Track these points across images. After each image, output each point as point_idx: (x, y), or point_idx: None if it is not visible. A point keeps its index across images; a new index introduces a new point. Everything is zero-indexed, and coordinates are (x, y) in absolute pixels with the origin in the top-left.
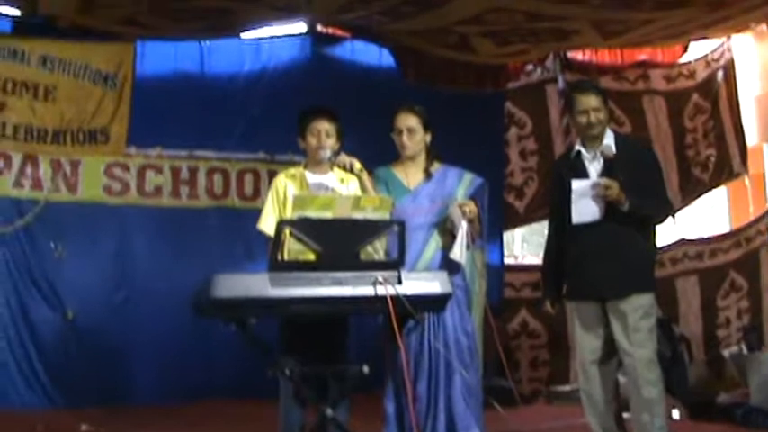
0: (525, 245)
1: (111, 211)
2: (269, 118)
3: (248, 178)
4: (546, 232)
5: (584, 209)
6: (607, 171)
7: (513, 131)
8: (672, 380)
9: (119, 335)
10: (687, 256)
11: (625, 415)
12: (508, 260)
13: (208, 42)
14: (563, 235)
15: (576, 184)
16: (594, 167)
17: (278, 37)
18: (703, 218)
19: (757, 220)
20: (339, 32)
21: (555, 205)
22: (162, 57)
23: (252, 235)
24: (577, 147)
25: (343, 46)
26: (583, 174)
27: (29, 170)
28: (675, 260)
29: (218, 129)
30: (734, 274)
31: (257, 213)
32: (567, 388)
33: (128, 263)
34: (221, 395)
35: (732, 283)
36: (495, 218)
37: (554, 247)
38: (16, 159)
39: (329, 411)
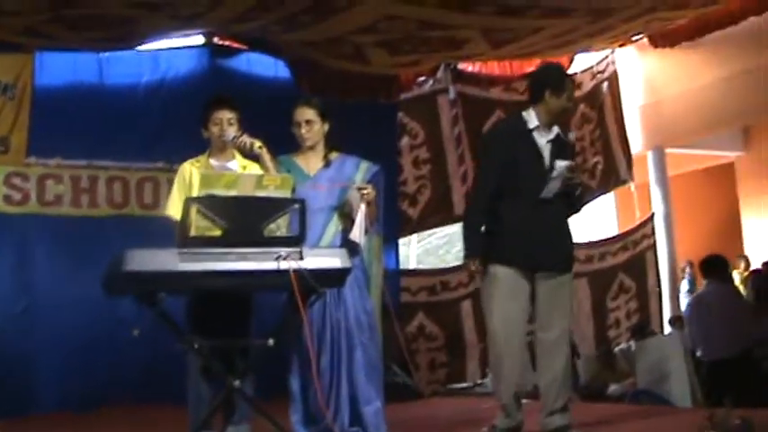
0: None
1: (10, 221)
2: (168, 127)
3: (148, 187)
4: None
5: (552, 186)
6: (560, 155)
7: (405, 141)
8: None
9: (20, 344)
10: (577, 260)
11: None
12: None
13: (106, 54)
14: (496, 200)
15: (560, 164)
16: (548, 148)
17: (176, 48)
18: (592, 223)
19: (643, 224)
20: (236, 44)
21: (494, 168)
22: (61, 67)
23: (153, 241)
24: (534, 122)
25: (239, 58)
26: (534, 150)
27: None
28: None
29: (118, 138)
30: (622, 275)
31: (158, 221)
32: (463, 385)
33: (28, 272)
34: (125, 401)
35: (621, 285)
36: (390, 225)
37: (484, 209)
38: None
39: (237, 383)
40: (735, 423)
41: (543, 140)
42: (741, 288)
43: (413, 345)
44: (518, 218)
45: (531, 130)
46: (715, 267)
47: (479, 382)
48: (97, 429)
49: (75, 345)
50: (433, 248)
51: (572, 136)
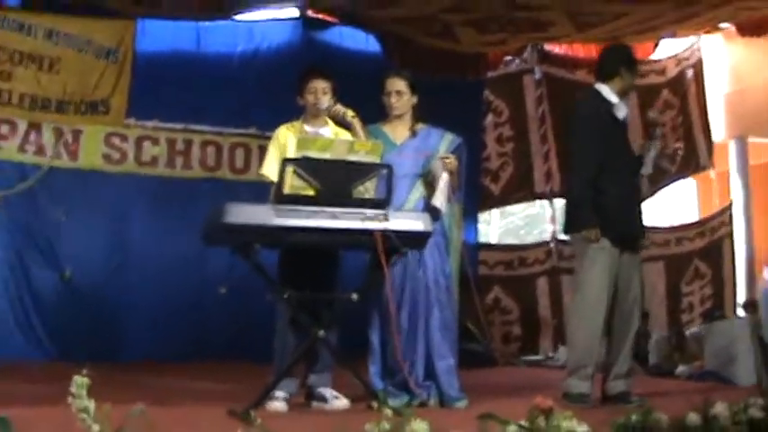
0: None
1: (109, 179)
2: (260, 96)
3: (239, 152)
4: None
5: (648, 163)
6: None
7: (490, 118)
8: (639, 349)
9: (113, 295)
10: (654, 243)
11: None
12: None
13: (205, 23)
14: (598, 174)
15: (656, 144)
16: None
17: (270, 20)
18: (671, 208)
19: (721, 212)
20: (329, 18)
21: (597, 142)
22: (161, 35)
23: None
24: (614, 98)
25: (331, 31)
26: (618, 126)
27: (33, 137)
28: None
29: (213, 105)
30: (698, 261)
31: (248, 185)
32: (535, 357)
33: (124, 228)
34: (211, 357)
35: (696, 271)
36: (471, 200)
37: (591, 182)
38: (21, 126)
39: (321, 333)
40: None
41: (621, 115)
42: None
43: (488, 317)
44: (620, 192)
45: (612, 106)
46: None
47: (550, 355)
48: (182, 380)
49: (165, 300)
50: (514, 228)
51: (652, 114)
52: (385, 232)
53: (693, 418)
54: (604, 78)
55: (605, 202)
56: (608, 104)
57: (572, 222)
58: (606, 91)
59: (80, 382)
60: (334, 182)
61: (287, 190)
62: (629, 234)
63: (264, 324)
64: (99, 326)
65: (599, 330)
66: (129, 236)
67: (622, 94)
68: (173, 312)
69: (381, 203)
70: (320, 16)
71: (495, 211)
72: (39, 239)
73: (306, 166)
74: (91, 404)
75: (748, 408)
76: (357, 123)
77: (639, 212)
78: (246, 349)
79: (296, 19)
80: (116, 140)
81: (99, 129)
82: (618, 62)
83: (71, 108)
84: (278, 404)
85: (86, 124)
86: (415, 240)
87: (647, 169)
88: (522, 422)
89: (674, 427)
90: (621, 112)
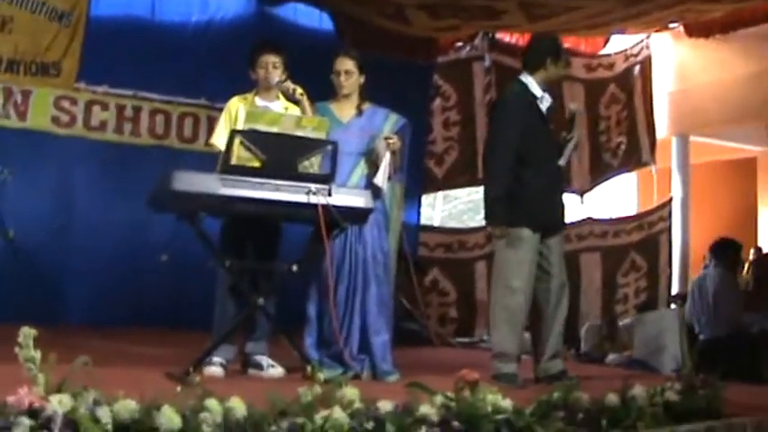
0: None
1: (56, 142)
2: (212, 67)
3: (188, 121)
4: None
5: (567, 154)
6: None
7: (438, 102)
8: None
9: (56, 258)
10: (592, 234)
11: None
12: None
13: None
14: (517, 165)
15: (575, 135)
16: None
17: None
18: (611, 200)
19: (660, 207)
20: None
21: (516, 134)
22: (115, 0)
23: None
24: (538, 90)
25: (286, 7)
26: (541, 117)
27: None
28: (581, 236)
29: (164, 73)
30: (635, 254)
31: (195, 155)
32: (468, 339)
33: (69, 191)
34: (149, 323)
35: (632, 263)
36: (415, 181)
37: (509, 175)
38: None
39: (260, 301)
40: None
41: (544, 107)
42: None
43: (426, 298)
44: (542, 184)
45: (536, 98)
46: (723, 251)
47: (485, 338)
48: (121, 344)
49: (107, 265)
50: (458, 213)
51: (573, 106)
52: (327, 207)
53: (612, 398)
54: (530, 69)
55: (528, 194)
56: (532, 96)
57: (486, 214)
58: (531, 82)
59: (27, 332)
60: (281, 155)
61: (234, 161)
62: (551, 223)
63: (203, 293)
64: (40, 288)
65: (520, 316)
66: (74, 199)
67: (547, 85)
68: (114, 277)
69: (325, 179)
70: None
71: (439, 195)
72: None
73: (253, 138)
74: (37, 355)
75: (665, 391)
76: (305, 100)
77: (561, 203)
78: (184, 317)
79: None
80: (65, 103)
81: (49, 91)
82: (544, 54)
83: (21, 68)
84: (215, 369)
85: (36, 86)
86: (356, 216)
87: (563, 161)
88: (449, 393)
89: (593, 407)
90: (545, 104)
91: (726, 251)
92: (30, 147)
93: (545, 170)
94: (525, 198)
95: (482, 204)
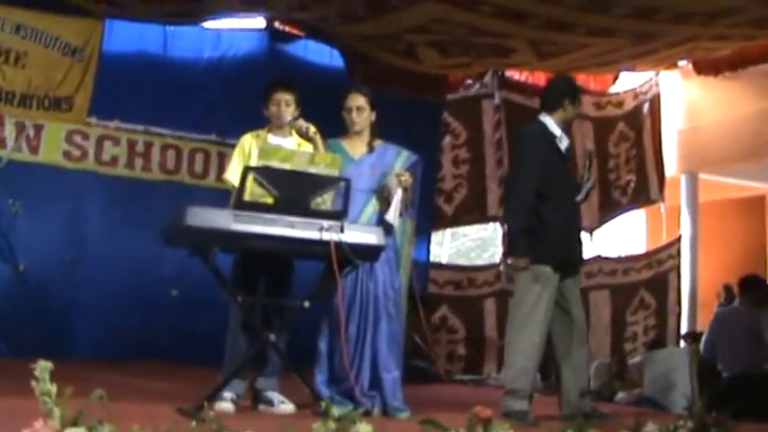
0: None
1: (68, 176)
2: (223, 103)
3: (199, 157)
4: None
5: (585, 191)
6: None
7: (447, 140)
8: None
9: (66, 292)
10: (602, 272)
11: None
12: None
13: (172, 27)
14: (537, 201)
15: (592, 174)
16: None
17: (238, 29)
18: (620, 238)
19: (669, 245)
20: (295, 31)
21: (537, 171)
22: (128, 36)
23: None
24: (557, 130)
25: (297, 44)
26: (561, 156)
27: None
28: (591, 274)
29: (175, 109)
30: (644, 292)
31: (206, 191)
32: (477, 377)
33: (80, 225)
34: (157, 356)
35: (642, 301)
36: (425, 219)
37: (531, 210)
38: None
39: (272, 336)
40: None
41: (563, 147)
42: None
43: (435, 335)
44: (561, 221)
45: (555, 137)
46: (750, 287)
47: (494, 376)
48: (131, 378)
49: (117, 299)
50: (465, 250)
51: (589, 145)
52: (339, 243)
53: None
54: (548, 110)
55: (547, 231)
56: (551, 136)
57: (508, 248)
58: (550, 122)
59: (44, 366)
60: (294, 192)
61: (247, 197)
62: (570, 261)
63: (212, 329)
64: (50, 322)
65: (534, 353)
66: (84, 233)
67: (565, 125)
68: (124, 312)
69: (338, 215)
70: (286, 28)
71: (447, 233)
72: None
73: (267, 174)
74: (53, 388)
75: (677, 429)
76: (318, 138)
77: (580, 240)
78: (193, 353)
79: (262, 30)
80: (77, 138)
81: (61, 125)
82: (562, 95)
83: (34, 103)
84: (226, 404)
85: (49, 120)
86: (368, 253)
87: (580, 197)
88: (462, 430)
89: None
90: (564, 144)
91: (754, 287)
92: (41, 181)
93: (564, 208)
94: (545, 235)
95: (491, 242)
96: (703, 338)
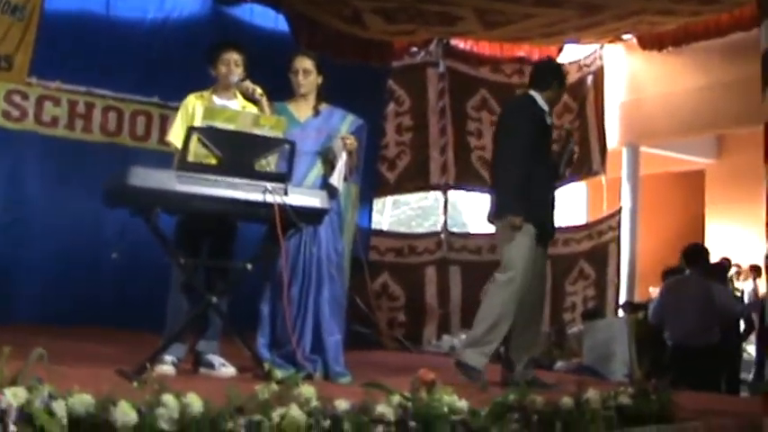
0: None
1: (7, 136)
2: (166, 66)
3: (141, 119)
4: None
5: (566, 166)
6: None
7: (391, 107)
8: None
9: (4, 254)
10: None
11: None
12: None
13: None
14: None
15: (575, 150)
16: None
17: None
18: (561, 209)
19: (609, 217)
20: None
21: (533, 137)
22: None
23: None
24: (545, 106)
25: (242, 8)
26: (548, 130)
27: None
28: None
29: (117, 70)
30: (583, 263)
31: (147, 153)
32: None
33: (19, 186)
34: (96, 322)
35: (581, 272)
36: (367, 185)
37: (526, 173)
38: None
39: (214, 299)
40: None
41: (549, 122)
42: None
43: (376, 302)
44: (545, 189)
45: (544, 112)
46: (697, 257)
47: (433, 343)
48: (69, 342)
49: (58, 262)
50: (406, 219)
51: (568, 126)
52: (283, 206)
53: (567, 401)
54: (538, 87)
55: (531, 196)
56: (540, 110)
57: (501, 208)
58: (539, 98)
59: None
60: (238, 153)
61: (191, 157)
62: (546, 230)
63: (153, 293)
64: None
65: (513, 313)
66: (23, 194)
67: (550, 105)
68: (63, 274)
69: (281, 178)
70: None
71: (388, 201)
72: None
73: (210, 135)
74: None
75: (618, 395)
76: (264, 101)
77: (553, 212)
78: (133, 318)
79: None
80: (17, 98)
81: (0, 85)
82: (553, 76)
83: None
84: (166, 367)
85: None
86: (312, 216)
87: (563, 171)
88: (406, 393)
89: (548, 409)
90: (549, 120)
91: (701, 256)
92: None
93: (545, 183)
94: (530, 198)
95: (431, 211)
96: (651, 306)
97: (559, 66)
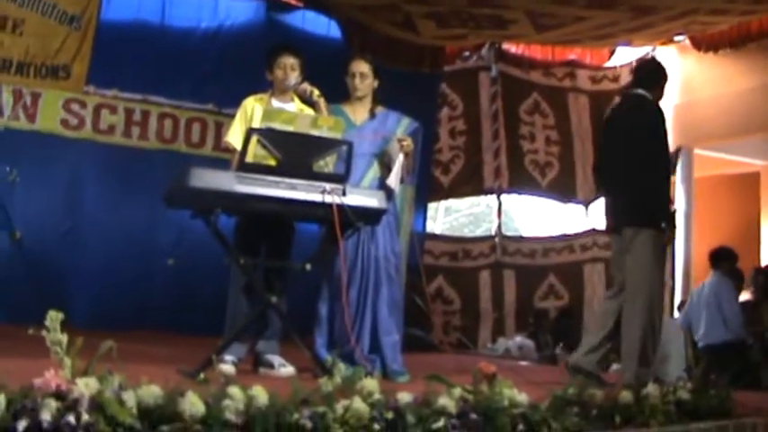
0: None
1: (65, 144)
2: (220, 73)
3: (196, 126)
4: None
5: None
6: None
7: (444, 111)
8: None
9: (63, 260)
10: (596, 245)
11: None
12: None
13: None
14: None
15: None
16: None
17: None
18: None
19: None
20: (292, 1)
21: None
22: (126, 4)
23: None
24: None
25: (294, 14)
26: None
27: None
28: (585, 247)
29: (172, 78)
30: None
31: (202, 159)
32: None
33: (77, 194)
34: (154, 326)
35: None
36: (421, 190)
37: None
38: None
39: (273, 299)
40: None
41: None
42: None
43: (431, 305)
44: (666, 188)
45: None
46: (720, 260)
47: (489, 346)
48: (130, 345)
49: (112, 267)
50: (459, 226)
51: None
52: (341, 206)
53: (626, 395)
54: (647, 86)
55: (659, 199)
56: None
57: (641, 218)
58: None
59: (54, 316)
60: (296, 154)
61: (250, 158)
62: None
63: (208, 299)
64: (46, 290)
65: (655, 323)
66: (81, 202)
67: None
68: (121, 280)
69: (339, 178)
70: None
71: (441, 208)
72: None
73: (270, 136)
74: (64, 338)
75: (677, 390)
76: (322, 102)
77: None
78: (189, 323)
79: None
80: (75, 106)
81: (58, 93)
82: (661, 77)
83: (32, 71)
84: (227, 367)
85: (46, 88)
86: (370, 216)
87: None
88: (467, 386)
89: (607, 403)
90: None
91: (722, 259)
92: (38, 149)
93: (668, 176)
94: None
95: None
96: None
97: (665, 69)
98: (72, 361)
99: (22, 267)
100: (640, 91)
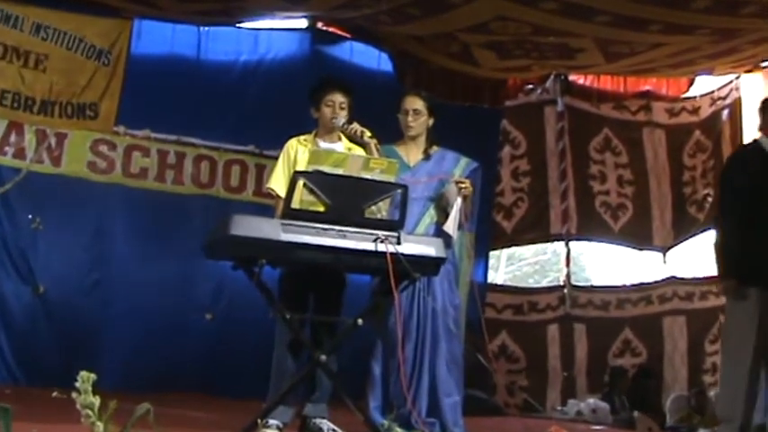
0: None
1: (93, 188)
2: (261, 111)
3: (235, 169)
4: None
5: None
6: None
7: (506, 150)
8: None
9: (89, 317)
10: (677, 296)
11: None
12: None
13: (206, 28)
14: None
15: None
16: None
17: (277, 29)
18: (696, 259)
19: None
20: (339, 32)
21: (744, 194)
22: (159, 38)
23: None
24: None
25: (342, 46)
26: None
27: (13, 138)
28: (664, 298)
29: (210, 116)
30: (724, 318)
31: (242, 205)
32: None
33: (105, 243)
34: (189, 388)
35: (722, 329)
36: (482, 236)
37: (742, 232)
38: (0, 126)
39: (322, 357)
40: None
41: None
42: None
43: (494, 363)
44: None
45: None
46: None
47: (558, 408)
48: (164, 408)
49: (146, 324)
50: (522, 276)
51: None
52: (396, 255)
53: None
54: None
55: (759, 253)
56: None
57: (719, 270)
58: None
59: (85, 376)
60: (346, 199)
61: (296, 204)
62: None
63: (249, 358)
64: (71, 349)
65: (743, 382)
66: (110, 252)
67: None
68: (151, 337)
69: (394, 225)
70: (330, 29)
71: (502, 256)
72: (12, 250)
73: (317, 180)
74: (96, 401)
75: None
76: (373, 144)
77: None
78: (228, 385)
79: (304, 30)
80: (103, 148)
81: (86, 134)
82: None
83: (56, 109)
84: None
85: (72, 128)
86: (427, 266)
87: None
88: None
89: None
90: None
91: None
92: (64, 194)
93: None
94: (755, 255)
95: (550, 266)
96: None
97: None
98: (105, 426)
99: (44, 324)
100: (759, 138)
